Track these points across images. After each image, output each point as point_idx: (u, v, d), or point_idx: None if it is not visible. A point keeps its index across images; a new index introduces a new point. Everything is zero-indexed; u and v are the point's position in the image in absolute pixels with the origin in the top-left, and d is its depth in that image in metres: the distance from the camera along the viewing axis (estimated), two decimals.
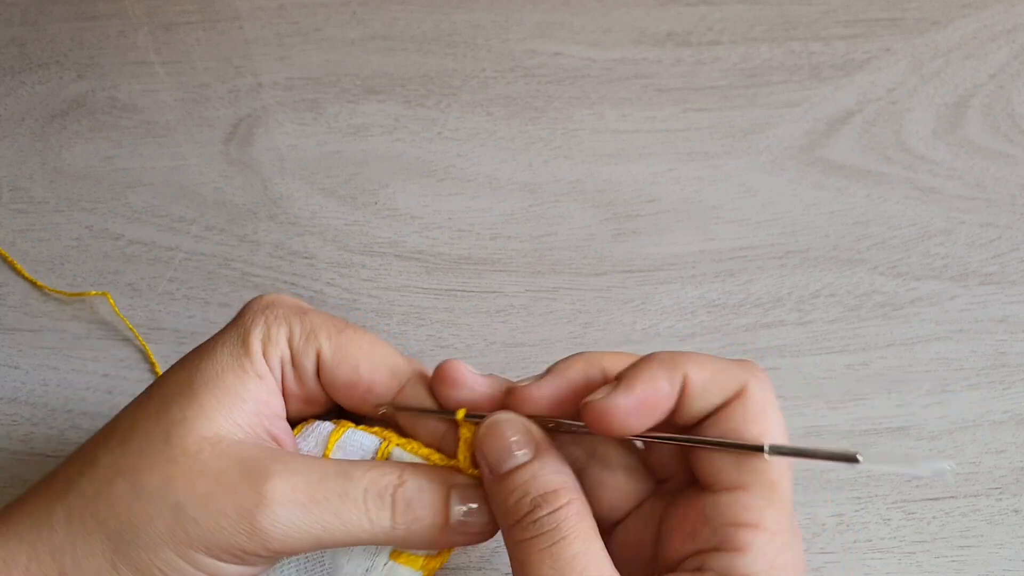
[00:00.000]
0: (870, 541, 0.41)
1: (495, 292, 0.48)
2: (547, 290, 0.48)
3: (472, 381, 0.33)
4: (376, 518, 0.31)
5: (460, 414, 0.33)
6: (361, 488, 0.31)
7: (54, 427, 0.44)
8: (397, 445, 0.34)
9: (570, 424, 0.32)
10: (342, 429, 0.34)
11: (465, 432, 0.33)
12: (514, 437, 0.31)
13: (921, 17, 0.55)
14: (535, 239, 0.49)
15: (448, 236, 0.49)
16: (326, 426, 0.34)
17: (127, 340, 0.46)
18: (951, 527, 0.42)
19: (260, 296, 0.34)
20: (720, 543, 0.29)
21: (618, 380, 0.30)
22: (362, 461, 0.32)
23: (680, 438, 0.31)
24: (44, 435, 0.44)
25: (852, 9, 0.55)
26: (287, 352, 0.33)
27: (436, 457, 0.34)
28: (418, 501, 0.31)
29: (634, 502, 0.33)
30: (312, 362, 0.33)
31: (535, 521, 0.31)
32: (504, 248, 0.49)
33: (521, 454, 0.31)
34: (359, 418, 0.35)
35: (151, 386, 0.33)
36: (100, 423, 0.44)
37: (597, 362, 0.32)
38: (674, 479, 0.33)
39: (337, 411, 0.36)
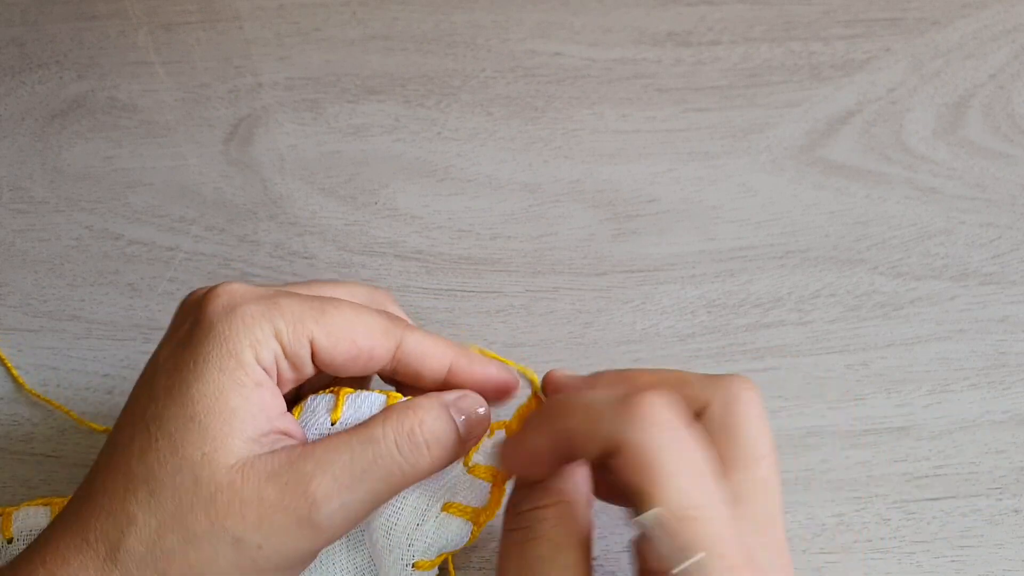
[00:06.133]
0: (870, 541, 0.42)
1: (495, 292, 0.48)
2: (547, 290, 0.48)
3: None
4: (414, 462, 0.32)
5: (536, 384, 0.37)
6: (391, 443, 0.31)
7: (54, 427, 0.44)
8: (403, 399, 0.35)
9: None
10: (343, 393, 0.35)
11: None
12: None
13: (921, 17, 0.55)
14: (535, 239, 0.49)
15: (448, 236, 0.49)
16: (326, 399, 0.35)
17: (127, 340, 0.46)
18: (951, 527, 0.42)
19: (211, 292, 0.33)
20: None
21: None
22: (370, 419, 0.33)
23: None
24: (44, 435, 0.44)
25: (852, 9, 0.55)
26: (279, 348, 0.32)
27: None
28: (441, 432, 0.32)
29: None
30: (307, 350, 0.33)
31: (517, 514, 0.31)
32: (504, 248, 0.49)
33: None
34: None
35: (142, 416, 0.32)
36: (100, 423, 0.44)
37: (631, 382, 0.33)
38: None
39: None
